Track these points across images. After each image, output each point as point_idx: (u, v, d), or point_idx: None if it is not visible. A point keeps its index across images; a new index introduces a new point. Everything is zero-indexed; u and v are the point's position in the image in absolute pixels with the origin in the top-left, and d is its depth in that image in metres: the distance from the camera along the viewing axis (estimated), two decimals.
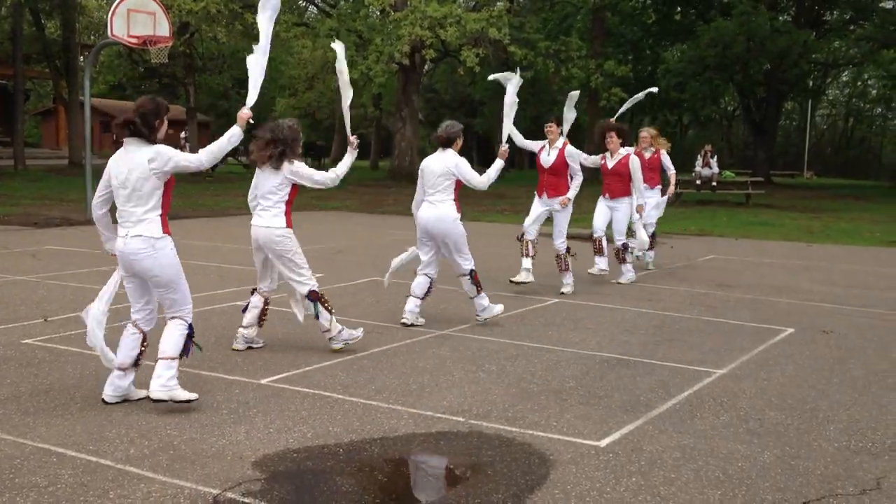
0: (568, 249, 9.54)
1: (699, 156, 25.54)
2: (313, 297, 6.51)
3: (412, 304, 7.71)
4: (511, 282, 9.34)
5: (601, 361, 6.67)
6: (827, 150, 54.36)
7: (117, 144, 5.19)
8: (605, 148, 10.08)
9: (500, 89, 8.53)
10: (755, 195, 24.74)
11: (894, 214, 22.30)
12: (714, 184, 24.69)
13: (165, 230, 5.16)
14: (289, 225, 6.51)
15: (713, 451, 4.75)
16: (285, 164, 6.41)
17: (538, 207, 9.53)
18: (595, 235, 10.13)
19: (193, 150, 34.97)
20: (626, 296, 9.45)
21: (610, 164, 10.06)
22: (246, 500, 4.00)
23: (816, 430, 5.16)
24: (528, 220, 9.54)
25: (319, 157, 43.85)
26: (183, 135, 37.49)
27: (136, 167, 5.02)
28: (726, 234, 16.74)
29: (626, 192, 9.99)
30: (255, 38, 6.05)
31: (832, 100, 55.54)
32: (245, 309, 6.78)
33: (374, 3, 25.97)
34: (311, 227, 15.50)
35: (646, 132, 11.71)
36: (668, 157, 11.71)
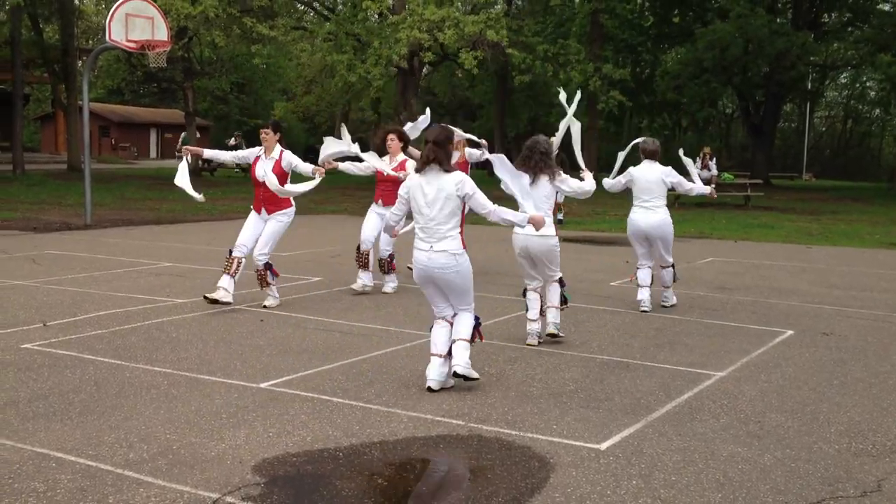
0: (392, 256, 9.56)
1: (698, 158, 25.55)
2: (562, 283, 7.39)
3: (646, 294, 8.76)
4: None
5: (601, 364, 6.66)
6: (826, 152, 54.39)
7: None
8: (386, 152, 9.40)
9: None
10: (754, 197, 24.74)
11: (893, 216, 22.30)
12: (713, 186, 24.69)
13: (463, 245, 5.91)
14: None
15: (713, 454, 4.75)
16: (557, 174, 7.15)
17: (374, 218, 9.50)
18: (363, 248, 9.44)
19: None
20: (626, 299, 9.45)
21: (386, 169, 9.13)
22: None
23: (817, 433, 5.16)
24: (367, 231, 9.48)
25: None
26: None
27: (443, 189, 5.71)
28: (725, 237, 16.74)
29: None
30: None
31: (830, 102, 55.58)
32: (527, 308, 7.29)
33: (372, 7, 25.95)
34: (309, 230, 15.51)
35: (455, 136, 10.74)
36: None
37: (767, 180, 33.29)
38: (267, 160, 8.55)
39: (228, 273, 8.40)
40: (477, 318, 6.06)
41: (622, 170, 8.99)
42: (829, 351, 7.28)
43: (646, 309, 8.74)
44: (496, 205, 5.85)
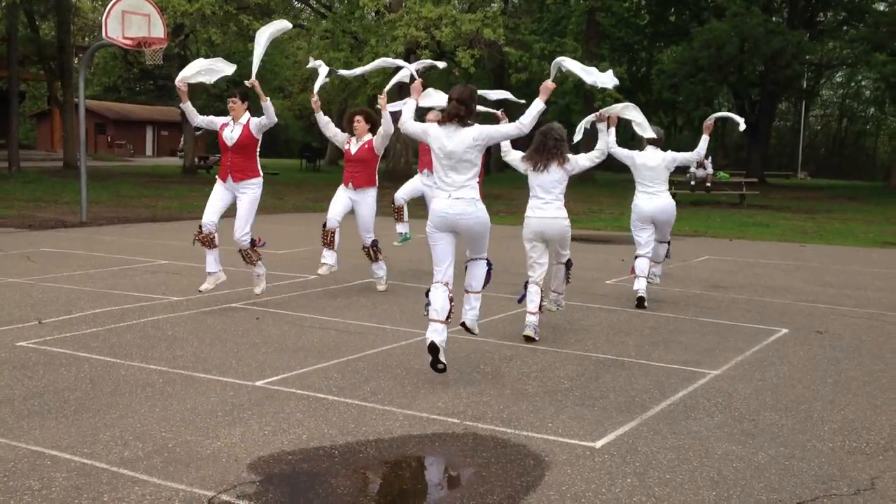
0: (375, 242, 9.36)
1: None
2: (569, 265, 7.69)
3: (643, 283, 8.90)
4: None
5: (596, 362, 6.67)
6: (821, 151, 54.52)
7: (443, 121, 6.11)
8: (352, 133, 9.33)
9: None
10: (749, 196, 24.79)
11: (888, 215, 22.35)
12: (708, 185, 24.75)
13: (480, 194, 6.23)
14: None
15: (708, 452, 4.76)
16: (567, 160, 7.42)
17: (343, 197, 9.30)
18: (328, 226, 9.20)
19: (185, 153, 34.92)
20: (621, 297, 9.46)
21: (353, 149, 9.24)
22: (241, 502, 4.00)
23: (811, 431, 5.17)
24: (332, 210, 9.28)
25: (315, 159, 43.79)
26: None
27: (462, 142, 6.02)
28: (720, 235, 16.77)
29: (372, 182, 9.34)
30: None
31: (826, 100, 55.69)
32: (521, 299, 7.45)
33: (370, 5, 25.95)
34: (307, 227, 15.50)
35: (433, 115, 10.38)
36: None
37: (763, 179, 33.37)
38: (235, 126, 8.42)
39: (210, 248, 8.43)
40: (489, 263, 6.45)
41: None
42: (823, 349, 7.30)
43: (643, 295, 8.85)
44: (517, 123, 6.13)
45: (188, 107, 8.68)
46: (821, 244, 15.65)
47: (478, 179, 6.20)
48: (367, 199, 9.32)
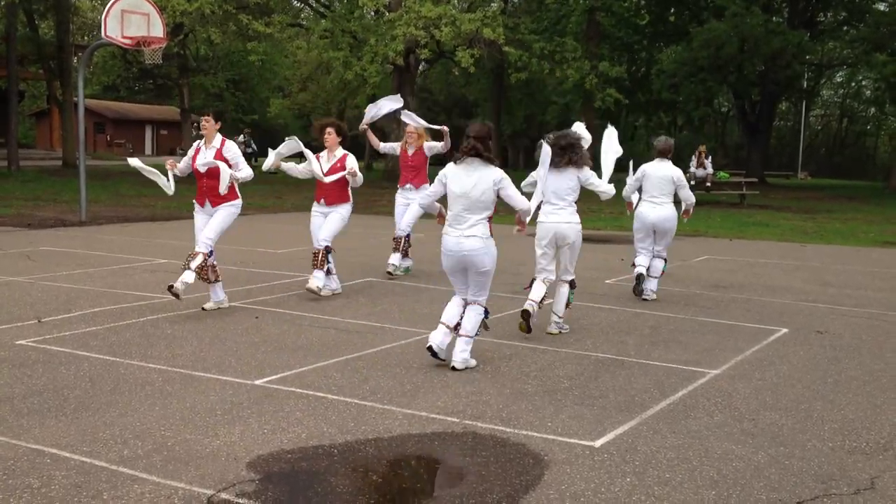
0: (328, 249, 8.93)
1: (693, 156, 25.57)
2: (573, 285, 7.66)
3: (642, 269, 9.22)
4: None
5: (596, 362, 6.67)
6: (821, 151, 54.49)
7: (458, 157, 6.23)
8: (325, 146, 9.08)
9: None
10: (750, 196, 24.77)
11: (888, 215, 22.35)
12: (708, 184, 24.72)
13: (491, 232, 6.29)
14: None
15: (707, 452, 4.76)
16: (584, 168, 7.47)
17: (317, 221, 9.16)
18: (316, 247, 9.00)
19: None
20: (621, 297, 9.46)
21: (325, 165, 8.96)
22: (240, 500, 4.00)
23: (811, 430, 5.17)
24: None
25: None
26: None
27: (482, 182, 6.15)
28: (721, 235, 16.76)
29: (345, 199, 9.11)
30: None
31: (826, 100, 55.64)
32: (528, 287, 7.53)
33: (369, 4, 25.92)
34: (304, 228, 15.49)
35: (411, 127, 10.50)
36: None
37: (763, 179, 33.34)
38: (207, 150, 8.06)
39: (209, 282, 8.13)
40: (486, 312, 6.46)
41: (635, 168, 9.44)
42: (823, 349, 7.29)
43: (642, 273, 9.23)
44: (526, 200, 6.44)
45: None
46: (821, 244, 15.65)
47: (489, 216, 6.29)
48: (339, 211, 9.07)
